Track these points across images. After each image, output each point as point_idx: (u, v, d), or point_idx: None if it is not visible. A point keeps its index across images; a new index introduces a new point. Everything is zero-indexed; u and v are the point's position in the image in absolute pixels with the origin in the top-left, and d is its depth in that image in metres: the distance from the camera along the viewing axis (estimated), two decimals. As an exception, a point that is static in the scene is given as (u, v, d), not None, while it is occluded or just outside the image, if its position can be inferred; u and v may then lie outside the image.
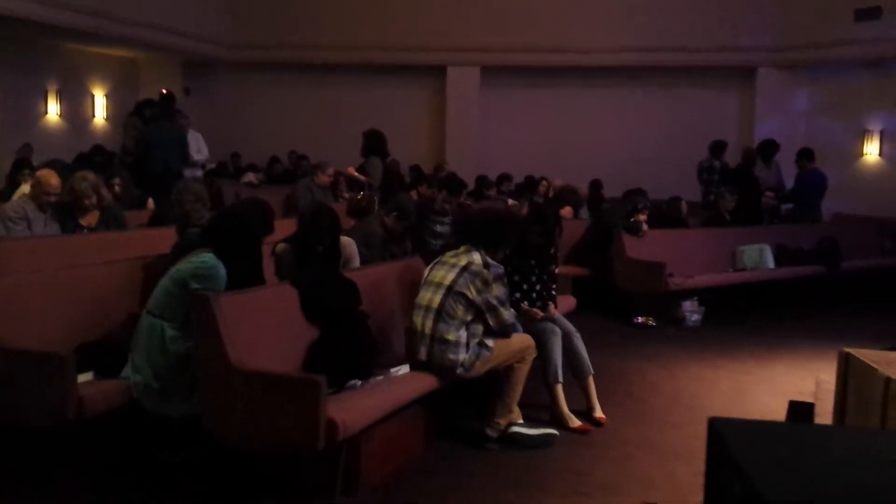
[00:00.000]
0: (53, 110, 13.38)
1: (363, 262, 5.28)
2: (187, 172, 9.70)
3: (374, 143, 9.15)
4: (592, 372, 4.85)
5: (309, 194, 9.09)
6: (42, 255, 4.89)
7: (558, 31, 13.43)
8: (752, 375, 5.94)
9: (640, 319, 7.49)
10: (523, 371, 4.29)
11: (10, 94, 12.42)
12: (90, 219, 5.85)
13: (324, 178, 9.27)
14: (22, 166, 8.16)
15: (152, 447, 3.62)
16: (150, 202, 7.40)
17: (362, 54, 14.05)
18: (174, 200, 6.39)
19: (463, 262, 4.13)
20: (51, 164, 7.25)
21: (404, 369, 4.03)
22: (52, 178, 5.66)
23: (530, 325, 4.63)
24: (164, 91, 13.33)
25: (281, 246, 4.51)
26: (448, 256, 4.23)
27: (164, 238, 4.99)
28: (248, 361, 3.30)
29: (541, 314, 4.79)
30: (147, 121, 9.57)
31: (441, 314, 4.04)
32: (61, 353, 3.24)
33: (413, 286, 4.55)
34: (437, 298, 4.07)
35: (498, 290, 4.11)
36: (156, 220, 6.36)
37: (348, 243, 4.72)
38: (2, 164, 11.66)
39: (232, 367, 3.24)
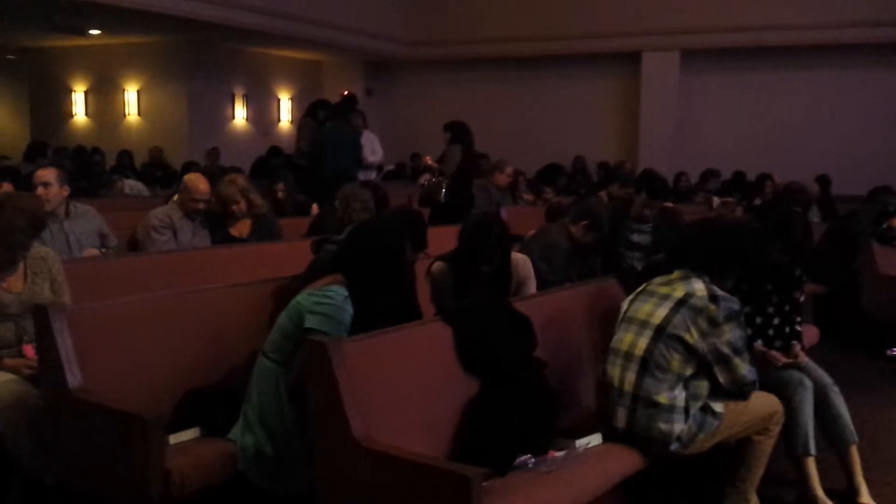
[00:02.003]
0: (240, 114, 13.50)
1: (541, 283, 4.26)
2: (361, 175, 9.20)
3: (459, 132, 8.28)
4: (856, 440, 3.54)
5: (486, 196, 8.21)
6: (172, 270, 4.30)
7: (769, 6, 11.67)
8: None
9: (896, 352, 5.91)
10: (766, 446, 3.08)
11: (200, 98, 12.60)
12: (241, 228, 5.25)
13: (501, 178, 8.35)
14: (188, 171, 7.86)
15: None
16: (315, 208, 6.80)
17: (545, 45, 13.01)
18: (337, 207, 5.75)
19: (679, 292, 2.99)
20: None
21: (594, 440, 2.95)
22: (199, 183, 5.11)
23: (768, 374, 3.39)
24: (346, 93, 13.09)
25: (438, 265, 3.59)
26: (657, 284, 3.10)
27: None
28: (377, 433, 2.39)
29: (783, 359, 3.53)
30: (321, 122, 9.09)
31: (648, 365, 2.93)
32: (145, 415, 2.48)
33: (606, 318, 3.47)
34: (643, 343, 2.96)
35: (731, 334, 2.92)
36: (314, 230, 5.69)
37: (522, 262, 3.70)
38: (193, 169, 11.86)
39: (355, 443, 2.33)
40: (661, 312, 2.97)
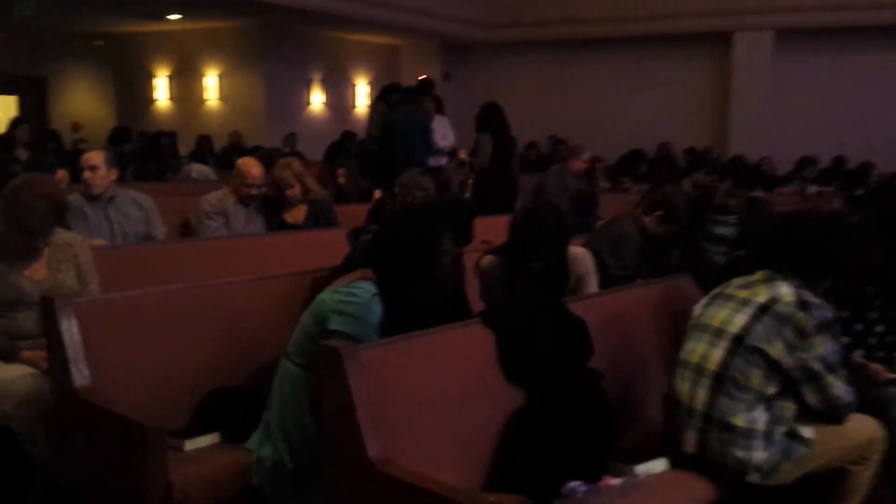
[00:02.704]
0: (318, 99, 13.41)
1: (609, 279, 3.87)
2: (432, 161, 8.92)
3: (485, 118, 7.73)
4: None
5: (560, 183, 7.81)
6: (219, 258, 4.10)
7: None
8: None
9: None
10: (864, 478, 2.63)
11: (277, 83, 12.56)
12: (296, 214, 5.03)
13: (578, 165, 7.91)
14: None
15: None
16: (377, 195, 6.54)
17: (630, 25, 12.39)
18: (396, 194, 5.49)
19: (762, 297, 2.56)
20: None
21: (658, 466, 2.56)
22: (252, 168, 4.91)
23: (868, 391, 2.92)
24: (423, 77, 12.82)
25: (487, 259, 3.25)
26: (737, 286, 2.68)
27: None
28: (399, 455, 2.08)
29: (886, 374, 3.04)
30: (393, 106, 8.84)
31: (723, 382, 2.52)
32: (146, 422, 2.24)
33: (678, 322, 3.05)
34: (718, 355, 2.55)
35: (824, 348, 2.48)
36: (372, 218, 5.41)
37: (581, 257, 3.31)
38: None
39: (370, 467, 2.03)
40: (740, 320, 2.55)
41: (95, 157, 4.27)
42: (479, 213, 5.27)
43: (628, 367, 3.02)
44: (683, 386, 2.62)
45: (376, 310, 2.50)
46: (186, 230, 4.95)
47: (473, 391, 2.43)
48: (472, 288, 3.38)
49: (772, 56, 11.94)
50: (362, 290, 2.50)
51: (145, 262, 3.88)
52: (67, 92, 14.93)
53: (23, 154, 8.09)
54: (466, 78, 14.49)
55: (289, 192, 4.91)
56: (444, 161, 9.32)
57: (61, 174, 3.99)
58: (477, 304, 3.35)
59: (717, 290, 2.76)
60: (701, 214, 4.96)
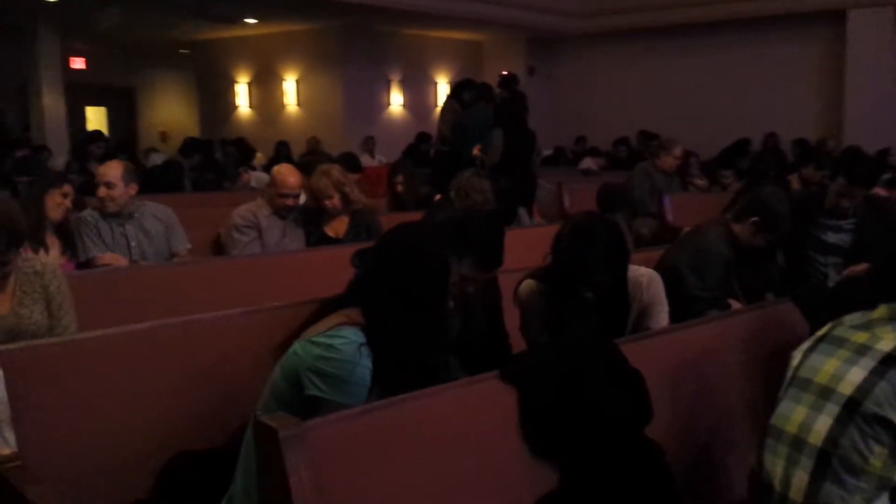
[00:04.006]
0: (396, 100, 13.02)
1: (690, 301, 3.19)
2: (508, 161, 8.33)
3: (501, 111, 6.98)
4: None
5: (647, 182, 7.06)
6: (245, 278, 3.66)
7: None
8: None
9: None
10: None
11: (355, 85, 12.23)
12: (337, 227, 4.54)
13: (668, 161, 7.13)
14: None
15: None
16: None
17: (732, 7, 11.37)
18: (452, 199, 4.95)
19: (886, 344, 1.85)
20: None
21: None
22: (289, 176, 4.44)
23: None
24: (505, 73, 12.21)
25: (526, 285, 2.63)
26: (850, 326, 1.97)
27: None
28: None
29: None
30: (465, 104, 8.29)
31: (830, 462, 1.82)
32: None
33: (776, 365, 2.35)
34: (823, 424, 1.86)
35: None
36: (423, 227, 4.89)
37: (648, 281, 2.62)
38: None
39: None
40: (855, 376, 1.85)
41: (112, 173, 3.87)
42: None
43: (706, 427, 2.35)
44: (775, 464, 1.93)
45: (366, 364, 1.94)
46: (218, 246, 4.54)
47: (484, 472, 1.82)
48: (514, 317, 2.78)
49: (892, 35, 10.68)
50: (345, 341, 1.94)
51: (159, 286, 3.47)
52: (155, 102, 15.10)
53: (94, 167, 7.99)
54: (552, 72, 13.80)
55: (327, 203, 4.42)
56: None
57: (67, 188, 3.61)
58: (518, 342, 2.75)
59: (823, 331, 2.05)
60: (810, 218, 4.17)
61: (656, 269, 3.57)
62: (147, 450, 2.21)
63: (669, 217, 6.62)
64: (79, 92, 13.58)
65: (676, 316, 3.03)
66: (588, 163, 10.86)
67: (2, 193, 3.14)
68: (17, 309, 2.59)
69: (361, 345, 1.94)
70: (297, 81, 12.72)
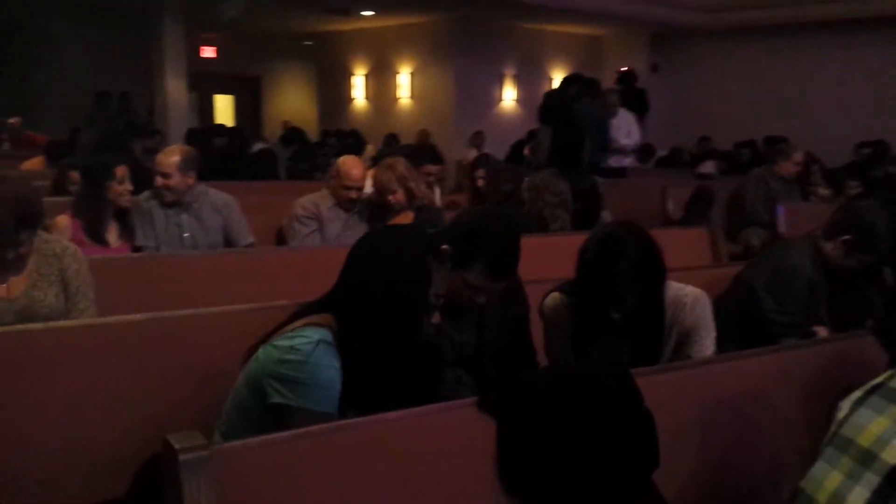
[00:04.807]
0: (509, 95, 12.76)
1: (765, 326, 2.81)
2: (612, 161, 7.97)
3: (545, 107, 6.75)
4: None
5: (761, 188, 6.52)
6: (298, 272, 3.51)
7: None
8: None
9: None
10: None
11: (467, 79, 12.09)
12: (401, 221, 4.36)
13: (787, 168, 6.59)
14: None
15: None
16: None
17: (876, 3, 10.37)
18: (525, 200, 4.71)
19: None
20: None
21: None
22: (353, 168, 4.31)
23: None
24: (624, 69, 11.71)
25: (552, 299, 2.34)
26: (911, 378, 1.59)
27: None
28: None
29: None
30: (570, 100, 7.95)
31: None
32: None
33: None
34: (859, 497, 1.50)
35: None
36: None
37: (693, 302, 2.24)
38: (456, 152, 11.37)
39: None
40: (906, 442, 1.48)
41: (168, 161, 3.83)
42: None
43: (743, 482, 2.00)
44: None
45: (330, 365, 1.74)
46: (280, 237, 4.46)
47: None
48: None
49: None
50: (305, 340, 1.75)
51: (219, 274, 3.38)
52: (279, 91, 15.52)
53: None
54: (676, 69, 13.14)
55: (390, 198, 4.25)
56: (626, 161, 8.30)
57: (120, 172, 3.59)
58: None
59: (879, 379, 1.67)
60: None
61: (732, 287, 3.20)
62: (131, 448, 2.10)
63: (782, 228, 6.08)
64: (208, 80, 14.16)
65: (748, 342, 2.66)
66: (707, 166, 10.20)
67: (18, 175, 3.11)
68: (31, 291, 2.56)
69: (324, 343, 1.75)
70: (412, 74, 12.70)
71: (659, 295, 2.17)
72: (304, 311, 1.89)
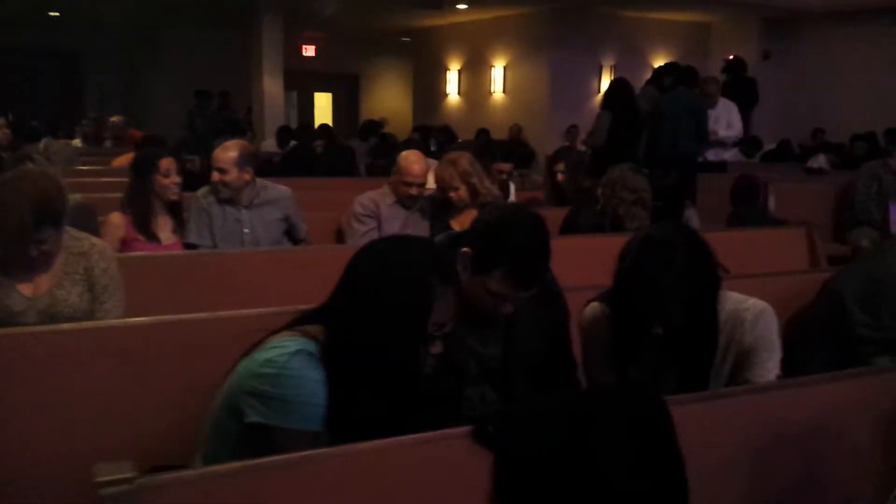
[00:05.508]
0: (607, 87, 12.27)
1: (853, 341, 2.44)
2: (710, 154, 7.48)
3: (608, 93, 6.79)
4: None
5: (873, 184, 5.96)
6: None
7: None
8: None
9: None
10: None
11: (563, 72, 11.72)
12: (464, 220, 4.11)
13: (902, 162, 5.94)
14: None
15: None
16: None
17: None
18: (599, 196, 4.41)
19: None
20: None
21: None
22: (414, 164, 4.11)
23: None
24: (731, 57, 11.05)
25: (591, 308, 2.07)
26: None
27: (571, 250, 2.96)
28: None
29: None
30: (664, 89, 7.52)
31: None
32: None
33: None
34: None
35: None
36: (566, 227, 4.35)
37: (754, 317, 1.90)
38: (549, 147, 11.04)
39: None
40: None
41: (224, 157, 3.72)
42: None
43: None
44: None
45: (312, 377, 1.55)
46: (340, 235, 4.33)
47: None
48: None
49: None
50: (282, 351, 1.57)
51: (268, 271, 3.28)
52: (376, 89, 15.59)
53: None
54: (790, 56, 12.29)
55: (452, 195, 4.04)
56: (726, 155, 7.78)
57: (165, 164, 3.53)
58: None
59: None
60: None
61: (819, 298, 2.81)
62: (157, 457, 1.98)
63: (894, 228, 5.53)
64: (308, 78, 14.37)
65: (834, 362, 2.32)
66: (820, 160, 9.47)
67: (35, 167, 3.06)
68: (55, 290, 2.50)
69: (300, 352, 1.56)
70: (505, 68, 12.45)
71: (710, 308, 1.86)
72: (303, 318, 1.71)
